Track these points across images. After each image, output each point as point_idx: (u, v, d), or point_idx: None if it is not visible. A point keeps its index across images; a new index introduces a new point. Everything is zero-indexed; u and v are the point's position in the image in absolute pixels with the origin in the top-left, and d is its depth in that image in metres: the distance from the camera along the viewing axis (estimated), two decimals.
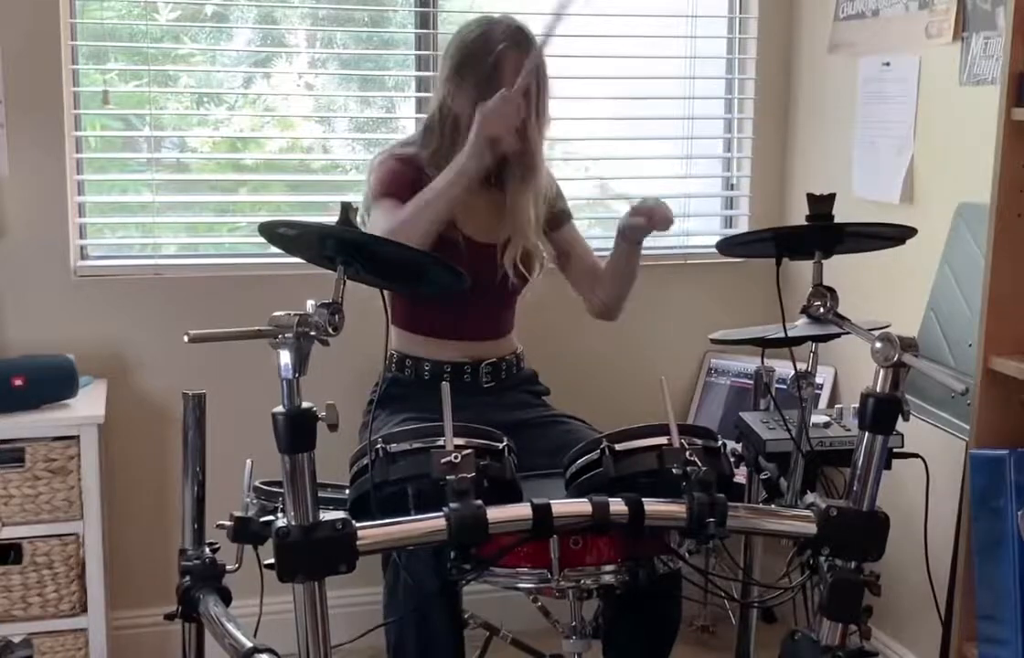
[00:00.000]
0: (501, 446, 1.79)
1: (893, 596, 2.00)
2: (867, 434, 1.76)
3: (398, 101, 3.28)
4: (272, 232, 1.80)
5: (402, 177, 2.48)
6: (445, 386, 1.71)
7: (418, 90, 3.19)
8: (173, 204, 3.11)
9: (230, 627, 1.76)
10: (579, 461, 1.84)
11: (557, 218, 2.68)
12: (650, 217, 2.47)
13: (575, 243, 2.72)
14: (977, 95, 2.57)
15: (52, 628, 2.65)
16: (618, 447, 1.79)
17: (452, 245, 2.45)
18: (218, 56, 3.14)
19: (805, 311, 1.94)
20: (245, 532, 1.87)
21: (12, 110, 2.79)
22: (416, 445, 1.76)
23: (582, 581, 1.79)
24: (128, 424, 2.94)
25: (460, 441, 1.70)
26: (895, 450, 2.27)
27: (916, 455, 2.43)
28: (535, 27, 2.50)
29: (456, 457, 1.67)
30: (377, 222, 2.39)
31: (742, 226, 3.44)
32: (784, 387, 2.41)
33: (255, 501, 1.92)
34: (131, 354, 2.96)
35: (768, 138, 3.39)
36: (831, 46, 3.15)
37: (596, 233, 3.47)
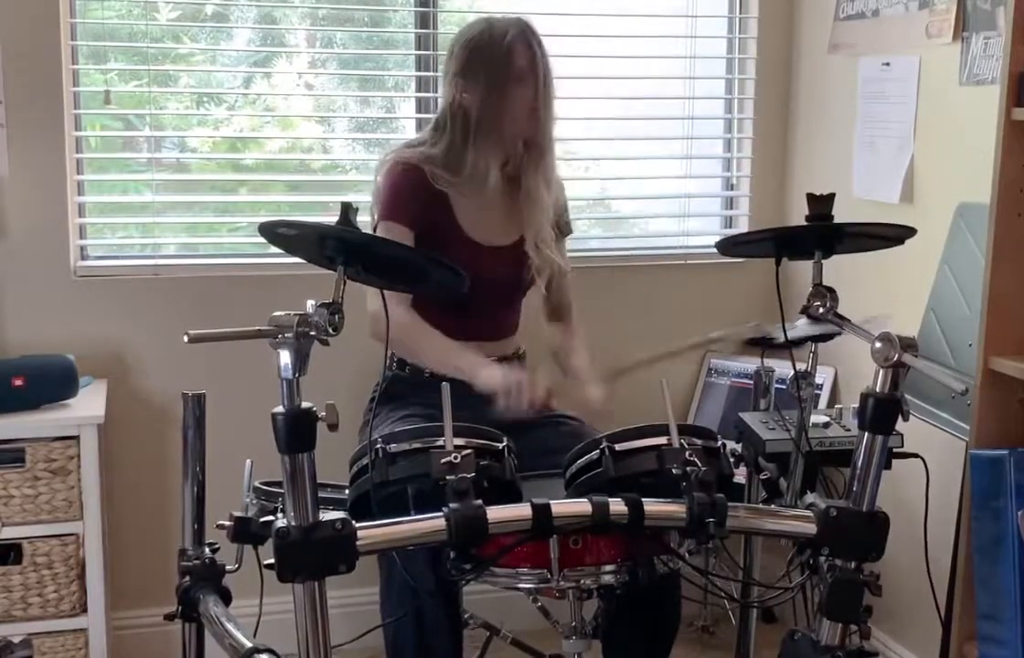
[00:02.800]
0: (501, 446, 1.79)
1: (893, 596, 1.99)
2: (867, 434, 1.76)
3: (398, 101, 3.28)
4: (272, 232, 1.80)
5: (404, 194, 2.49)
6: (445, 386, 1.71)
7: (418, 90, 3.19)
8: (173, 204, 3.12)
9: (230, 627, 1.76)
10: (579, 461, 1.84)
11: (559, 229, 2.69)
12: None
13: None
14: (977, 95, 2.57)
15: (52, 628, 2.65)
16: (618, 447, 1.79)
17: (457, 245, 2.45)
18: (218, 56, 3.14)
19: (805, 311, 1.94)
20: (245, 532, 1.87)
21: (12, 110, 2.79)
22: (416, 445, 1.76)
23: (582, 581, 1.79)
24: (128, 424, 2.94)
25: (460, 441, 1.70)
26: (895, 450, 2.27)
27: (916, 455, 2.43)
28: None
29: (456, 457, 1.67)
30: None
31: (742, 226, 3.44)
32: (784, 387, 2.41)
33: (255, 501, 1.92)
34: (131, 354, 2.96)
35: (768, 138, 3.39)
36: (831, 46, 3.15)
37: (596, 233, 3.48)
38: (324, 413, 1.57)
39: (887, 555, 1.76)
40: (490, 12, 2.66)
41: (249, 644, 1.69)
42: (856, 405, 1.81)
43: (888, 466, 1.83)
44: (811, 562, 1.79)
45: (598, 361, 2.60)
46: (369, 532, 1.62)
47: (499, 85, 2.46)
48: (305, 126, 3.23)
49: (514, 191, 2.57)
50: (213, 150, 3.17)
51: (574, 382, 2.55)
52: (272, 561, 1.60)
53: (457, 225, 2.51)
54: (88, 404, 2.71)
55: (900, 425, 1.77)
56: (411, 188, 2.49)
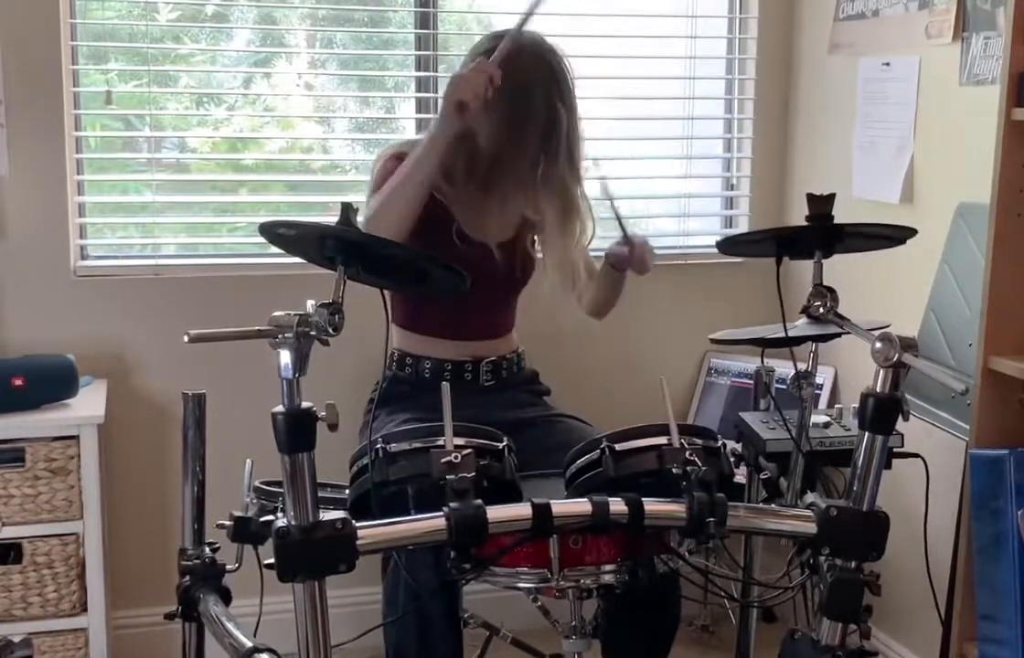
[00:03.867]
0: (501, 446, 1.79)
1: (893, 596, 1.99)
2: (867, 434, 1.76)
3: (398, 101, 3.28)
4: (272, 232, 1.80)
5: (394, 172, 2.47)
6: (445, 386, 1.71)
7: (418, 90, 3.19)
8: (173, 204, 3.11)
9: (230, 627, 1.76)
10: (579, 461, 1.84)
11: None
12: (631, 252, 2.52)
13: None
14: (977, 95, 2.57)
15: (52, 628, 2.65)
16: (618, 447, 1.79)
17: (452, 245, 2.45)
18: (218, 56, 3.14)
19: (805, 311, 1.94)
20: (245, 532, 1.87)
21: (12, 110, 2.79)
22: (416, 445, 1.76)
23: (582, 581, 1.79)
24: (128, 424, 2.94)
25: (460, 441, 1.70)
26: (895, 450, 2.27)
27: (916, 455, 2.43)
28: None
29: (456, 457, 1.67)
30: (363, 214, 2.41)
31: (742, 226, 3.44)
32: (784, 387, 2.41)
33: (255, 501, 1.92)
34: (131, 354, 2.96)
35: (768, 138, 3.39)
36: (831, 46, 3.15)
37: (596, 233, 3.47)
38: (324, 413, 1.57)
39: (887, 555, 1.76)
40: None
41: (249, 644, 1.69)
42: (856, 405, 1.81)
43: (888, 466, 1.83)
44: (811, 562, 1.79)
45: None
46: (369, 532, 1.62)
47: (512, 131, 2.40)
48: (305, 126, 3.23)
49: (508, 188, 2.55)
50: (213, 150, 3.17)
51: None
52: (272, 561, 1.60)
53: (453, 221, 2.50)
54: (88, 404, 2.71)
55: (900, 425, 1.76)
56: None
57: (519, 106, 2.39)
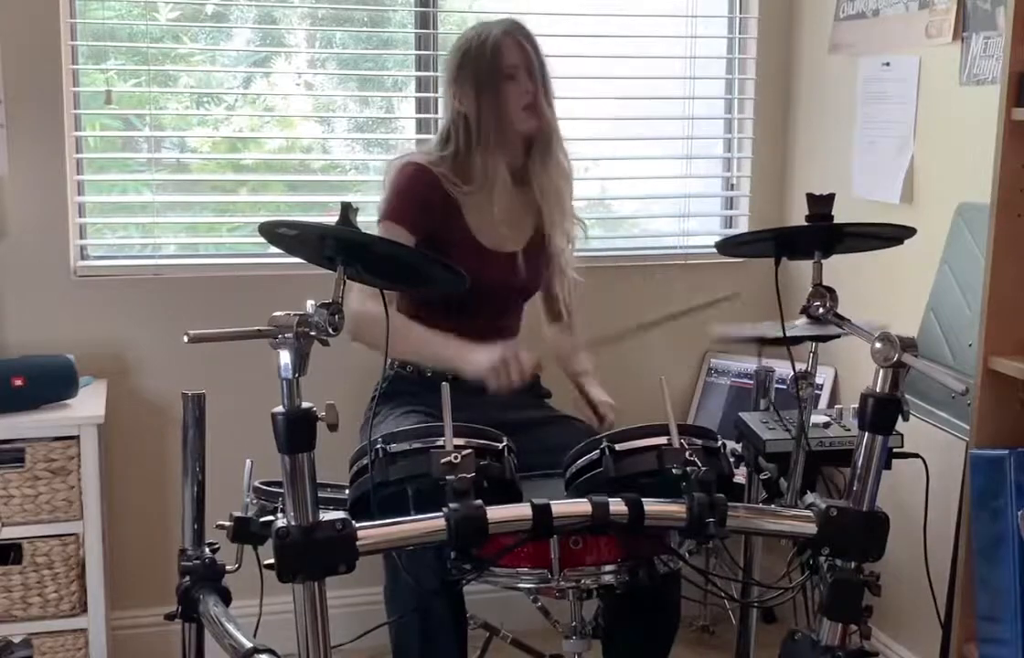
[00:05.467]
0: (501, 446, 1.79)
1: (893, 596, 1.99)
2: (867, 434, 1.75)
3: (397, 101, 3.28)
4: (272, 232, 1.79)
5: (411, 197, 2.49)
6: (445, 386, 1.71)
7: (418, 90, 3.19)
8: (173, 204, 3.12)
9: (230, 627, 1.76)
10: (579, 461, 1.84)
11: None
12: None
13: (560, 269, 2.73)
14: (977, 95, 2.56)
15: (52, 628, 2.66)
16: (618, 447, 1.79)
17: (464, 249, 2.45)
18: (218, 56, 3.14)
19: (805, 311, 1.94)
20: (245, 532, 1.87)
21: (12, 110, 2.79)
22: (416, 445, 1.76)
23: (582, 581, 1.79)
24: (128, 424, 2.94)
25: (460, 441, 1.70)
26: (895, 450, 2.27)
27: (916, 455, 2.43)
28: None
29: (456, 457, 1.66)
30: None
31: (742, 226, 3.44)
32: (784, 387, 2.42)
33: (255, 501, 1.92)
34: (131, 354, 2.96)
35: (768, 138, 3.39)
36: (831, 46, 3.15)
37: (596, 233, 3.47)
38: (324, 413, 1.57)
39: (887, 555, 1.76)
40: (486, 12, 2.67)
41: (249, 644, 1.69)
42: (856, 405, 1.81)
43: (888, 466, 1.83)
44: (811, 562, 1.78)
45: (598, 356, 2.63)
46: (369, 532, 1.62)
47: (491, 85, 2.48)
48: (305, 126, 3.23)
49: (523, 194, 2.57)
50: (213, 150, 3.17)
51: (581, 385, 2.59)
52: (272, 561, 1.60)
53: (466, 229, 2.51)
54: (88, 404, 2.71)
55: (900, 425, 1.76)
56: (420, 191, 2.49)
57: (491, 59, 2.48)
